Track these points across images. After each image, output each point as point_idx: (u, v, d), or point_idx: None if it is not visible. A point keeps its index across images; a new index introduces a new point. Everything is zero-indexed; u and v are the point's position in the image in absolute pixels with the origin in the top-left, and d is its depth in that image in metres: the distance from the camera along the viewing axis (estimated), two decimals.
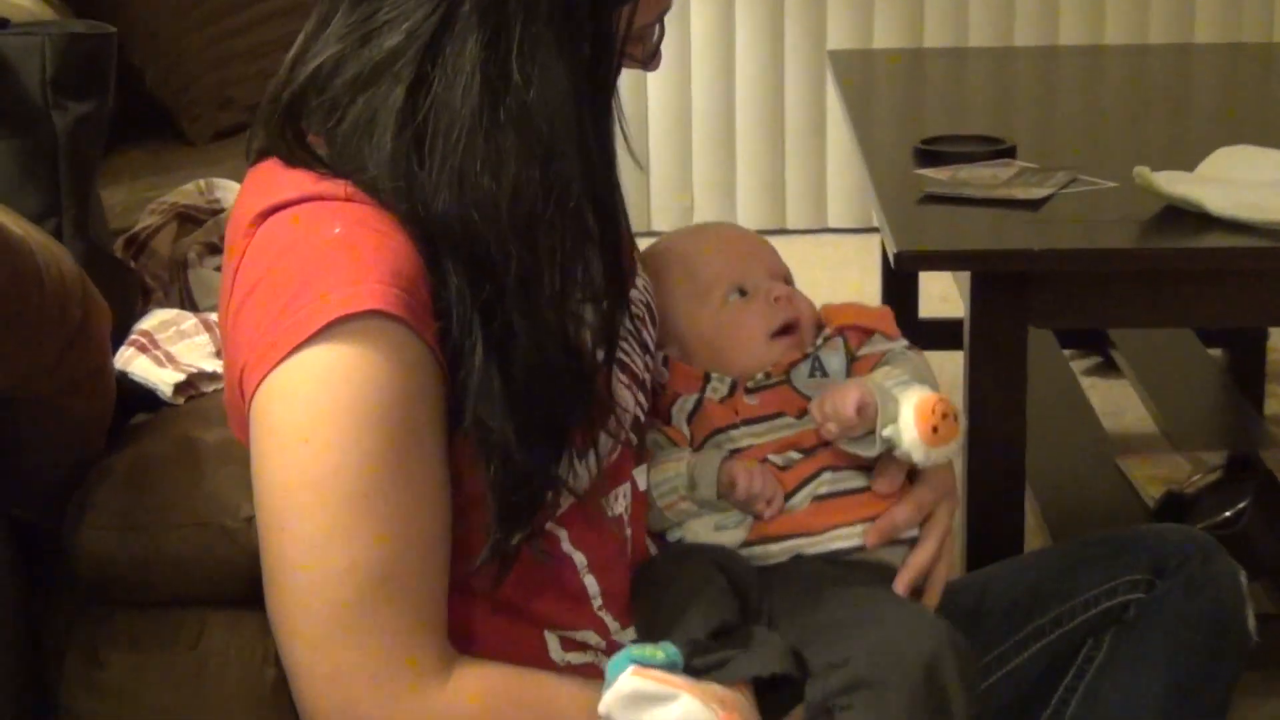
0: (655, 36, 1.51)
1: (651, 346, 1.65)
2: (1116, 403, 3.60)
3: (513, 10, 1.36)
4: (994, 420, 2.15)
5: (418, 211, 1.39)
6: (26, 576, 1.88)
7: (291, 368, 1.35)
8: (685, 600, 1.53)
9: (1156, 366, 3.38)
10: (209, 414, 1.98)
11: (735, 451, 1.63)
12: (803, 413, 1.64)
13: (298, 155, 1.44)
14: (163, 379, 2.04)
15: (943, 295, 3.96)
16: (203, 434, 1.93)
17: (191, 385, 2.05)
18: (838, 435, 1.59)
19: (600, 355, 1.47)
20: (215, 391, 2.05)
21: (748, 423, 1.65)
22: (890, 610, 1.56)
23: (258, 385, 1.37)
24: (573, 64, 1.38)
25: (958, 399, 2.19)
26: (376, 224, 1.39)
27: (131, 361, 2.08)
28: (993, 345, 2.16)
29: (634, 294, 1.63)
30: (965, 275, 2.21)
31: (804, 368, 1.67)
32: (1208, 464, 2.78)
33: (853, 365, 1.68)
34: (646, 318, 1.65)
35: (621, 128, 1.55)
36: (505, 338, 1.39)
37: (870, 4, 4.78)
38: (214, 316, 2.21)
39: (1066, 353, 3.52)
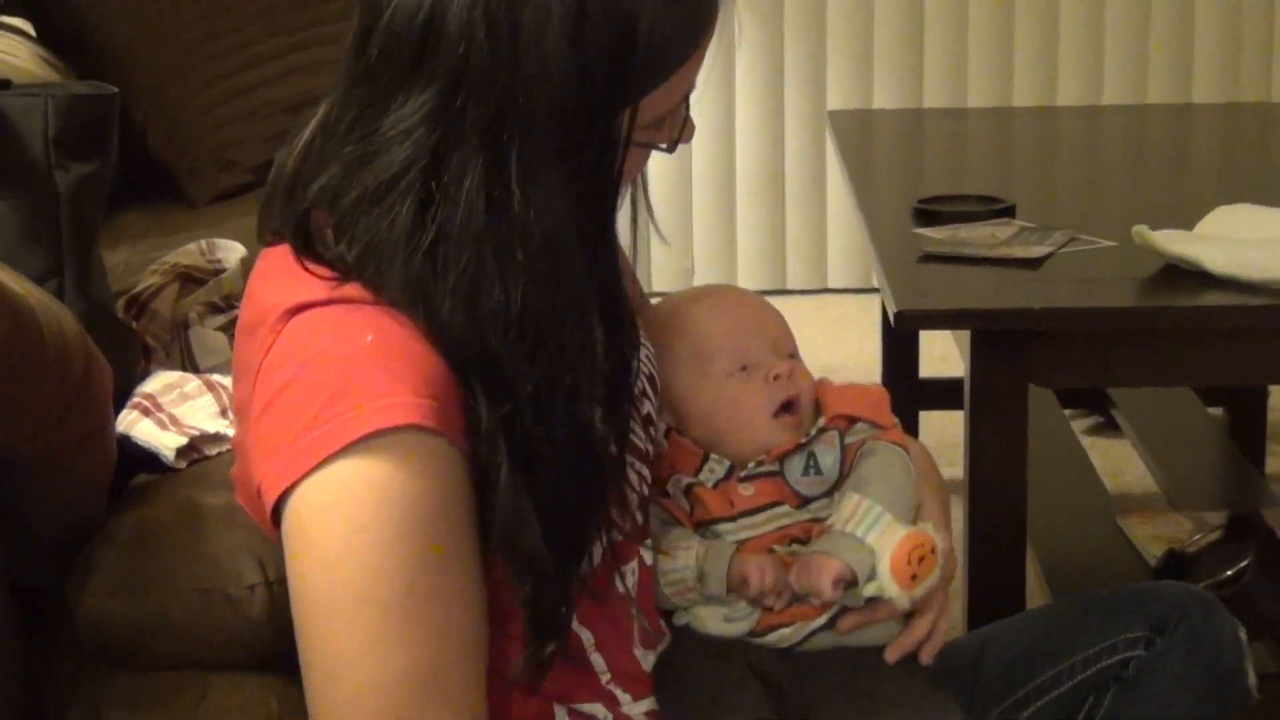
0: (681, 116, 1.49)
1: (654, 418, 1.64)
2: (1117, 462, 3.60)
3: (510, 126, 1.35)
4: (995, 479, 2.15)
5: (434, 330, 1.38)
6: (28, 635, 1.88)
7: (326, 479, 1.35)
8: (721, 702, 1.53)
9: (1157, 426, 3.38)
10: (212, 478, 1.98)
11: (742, 542, 1.62)
12: (800, 503, 1.63)
13: (319, 263, 1.43)
14: (165, 443, 2.04)
15: (943, 355, 3.97)
16: (206, 498, 1.92)
17: (194, 449, 2.05)
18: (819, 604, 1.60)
19: (613, 453, 1.46)
20: (219, 455, 2.05)
21: (745, 514, 1.63)
22: (924, 708, 1.57)
23: (287, 490, 1.37)
24: (573, 175, 1.37)
25: (959, 458, 2.19)
26: (406, 331, 1.38)
27: (135, 425, 2.08)
28: (993, 404, 2.16)
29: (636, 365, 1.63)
30: (965, 334, 2.21)
31: (798, 462, 1.64)
32: (1209, 523, 2.78)
33: (844, 454, 1.66)
34: (649, 389, 1.64)
35: (646, 201, 1.55)
36: (527, 454, 1.39)
37: (870, 65, 4.80)
38: (216, 377, 2.21)
39: (1067, 412, 3.52)
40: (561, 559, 1.42)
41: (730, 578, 1.59)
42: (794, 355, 1.71)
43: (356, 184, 1.40)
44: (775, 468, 1.64)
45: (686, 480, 1.65)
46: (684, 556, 1.61)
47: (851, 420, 1.67)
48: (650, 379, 1.64)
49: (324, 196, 1.43)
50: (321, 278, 1.41)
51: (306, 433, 1.36)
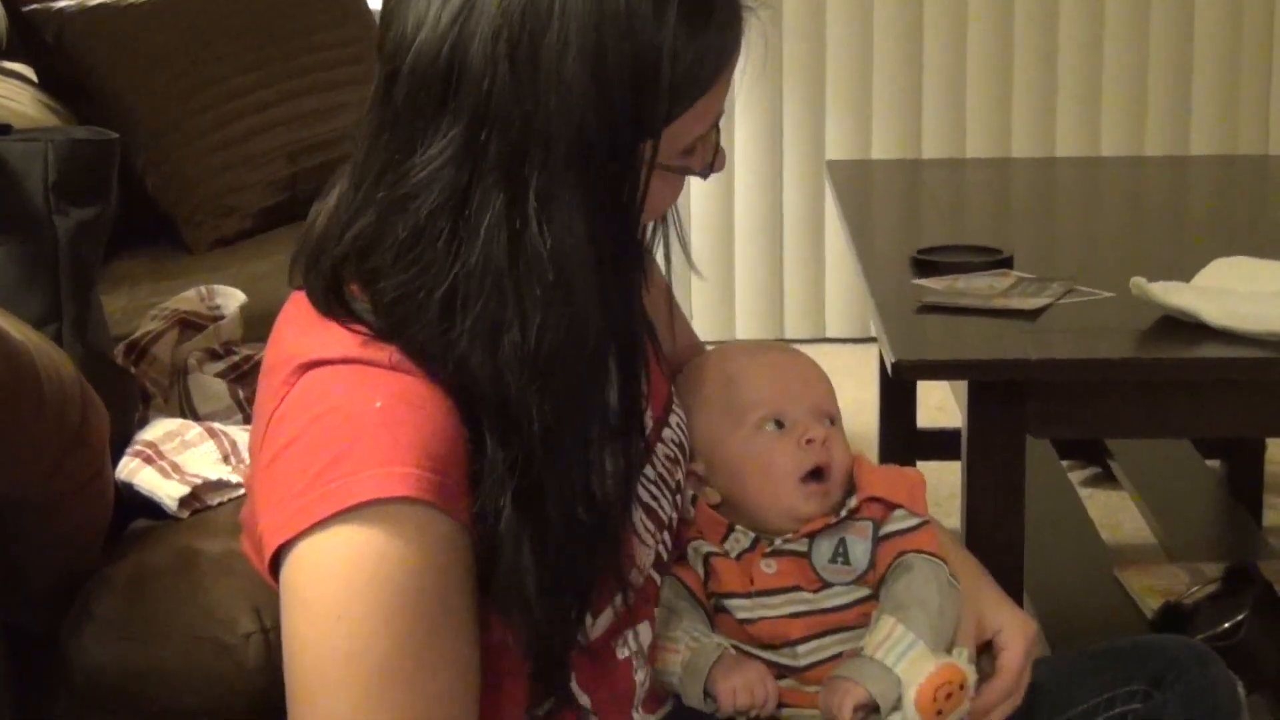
0: (713, 141, 1.49)
1: (682, 486, 1.63)
2: (1114, 513, 3.60)
3: (531, 160, 1.35)
4: (992, 530, 2.15)
5: (454, 373, 1.38)
6: (21, 679, 1.87)
7: (323, 541, 1.35)
8: None
9: (1154, 477, 3.38)
10: (210, 525, 1.98)
11: (745, 621, 1.60)
12: (820, 587, 1.61)
13: (343, 318, 1.43)
14: (168, 492, 2.04)
15: (940, 405, 3.97)
16: (204, 545, 1.92)
17: (196, 498, 2.05)
18: None
19: (619, 503, 1.45)
20: (220, 505, 2.05)
21: (762, 594, 1.60)
22: None
23: (284, 546, 1.37)
24: (592, 207, 1.37)
25: (956, 509, 2.19)
26: (417, 399, 1.38)
27: (137, 473, 2.08)
28: (991, 455, 2.16)
29: (667, 432, 1.62)
30: (963, 385, 2.21)
31: (827, 547, 1.62)
32: (1206, 575, 2.77)
33: (877, 547, 1.63)
34: (679, 457, 1.63)
35: (679, 238, 1.55)
36: (533, 497, 1.38)
37: (869, 114, 4.81)
38: (218, 424, 2.21)
39: (1064, 463, 3.52)
40: (558, 608, 1.42)
41: (705, 693, 1.56)
42: (834, 421, 1.68)
43: (389, 232, 1.39)
44: (803, 548, 1.61)
45: (707, 549, 1.62)
46: (671, 660, 1.58)
47: (886, 505, 1.65)
48: (681, 447, 1.64)
49: (357, 246, 1.42)
50: (348, 331, 1.41)
51: (306, 492, 1.36)
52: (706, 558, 1.62)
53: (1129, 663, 1.73)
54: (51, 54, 3.48)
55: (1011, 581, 2.17)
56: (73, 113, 3.40)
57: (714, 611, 1.62)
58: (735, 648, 1.60)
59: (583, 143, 1.35)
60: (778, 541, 1.62)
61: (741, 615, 1.60)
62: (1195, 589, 2.70)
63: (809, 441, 1.63)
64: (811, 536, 1.62)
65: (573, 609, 1.44)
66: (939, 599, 1.60)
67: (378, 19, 1.45)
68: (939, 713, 1.54)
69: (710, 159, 1.50)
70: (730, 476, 1.64)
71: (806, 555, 1.61)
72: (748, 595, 1.61)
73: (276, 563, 1.39)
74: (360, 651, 1.35)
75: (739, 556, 1.62)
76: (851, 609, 1.61)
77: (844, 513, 1.63)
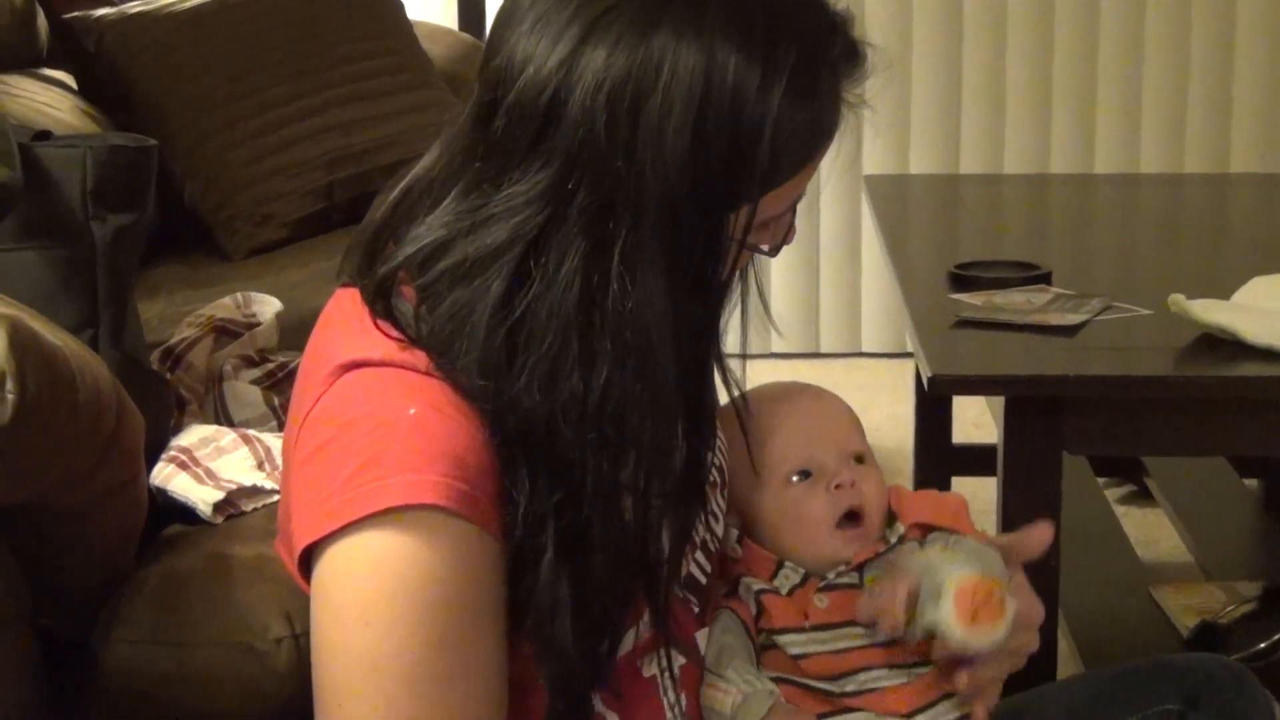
0: (788, 220, 1.49)
1: (720, 513, 1.62)
2: (1151, 531, 3.58)
3: (618, 216, 1.35)
4: None
5: (501, 407, 1.38)
6: (53, 684, 1.87)
7: (352, 544, 1.35)
8: None
9: (1191, 495, 3.36)
10: (243, 530, 1.98)
11: (798, 656, 1.58)
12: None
13: (387, 320, 1.43)
14: (202, 498, 2.04)
15: (976, 421, 3.96)
16: (235, 550, 1.92)
17: (230, 504, 2.05)
18: (888, 632, 1.55)
19: (670, 564, 1.45)
20: (253, 510, 2.05)
21: (816, 629, 1.59)
22: None
23: (314, 548, 1.37)
24: (676, 272, 1.36)
25: (991, 526, 2.18)
26: (451, 409, 1.38)
27: (171, 478, 2.08)
28: (1027, 472, 2.15)
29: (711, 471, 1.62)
30: (999, 401, 2.20)
31: (877, 570, 1.60)
32: (1243, 595, 2.76)
33: None
34: (719, 481, 1.62)
35: (760, 294, 1.57)
36: (577, 539, 1.38)
37: (906, 129, 4.80)
38: (252, 431, 2.21)
39: (1100, 481, 3.50)
40: (590, 648, 1.41)
41: None
42: (862, 459, 1.65)
43: (455, 252, 1.39)
44: (854, 579, 1.60)
45: (758, 586, 1.61)
46: (722, 700, 1.56)
47: (932, 530, 1.64)
48: (721, 472, 1.63)
49: (416, 258, 1.42)
50: (388, 336, 1.41)
51: (338, 494, 1.36)
52: (758, 595, 1.61)
53: (1164, 681, 1.71)
54: (91, 61, 3.49)
55: (1046, 599, 2.15)
56: (112, 120, 3.41)
57: (763, 648, 1.60)
58: (782, 680, 1.59)
59: (674, 207, 1.35)
60: (830, 576, 1.61)
61: (794, 650, 1.59)
62: (1231, 608, 2.69)
63: (838, 487, 1.62)
64: (861, 569, 1.61)
65: (604, 646, 1.43)
66: (989, 553, 1.60)
67: (484, 42, 1.45)
68: (974, 617, 1.52)
69: (781, 238, 1.50)
70: (768, 531, 1.63)
71: (859, 586, 1.60)
72: (802, 630, 1.59)
73: (307, 564, 1.39)
74: (386, 657, 1.34)
75: (790, 593, 1.61)
76: (900, 643, 1.59)
77: (894, 539, 1.62)
